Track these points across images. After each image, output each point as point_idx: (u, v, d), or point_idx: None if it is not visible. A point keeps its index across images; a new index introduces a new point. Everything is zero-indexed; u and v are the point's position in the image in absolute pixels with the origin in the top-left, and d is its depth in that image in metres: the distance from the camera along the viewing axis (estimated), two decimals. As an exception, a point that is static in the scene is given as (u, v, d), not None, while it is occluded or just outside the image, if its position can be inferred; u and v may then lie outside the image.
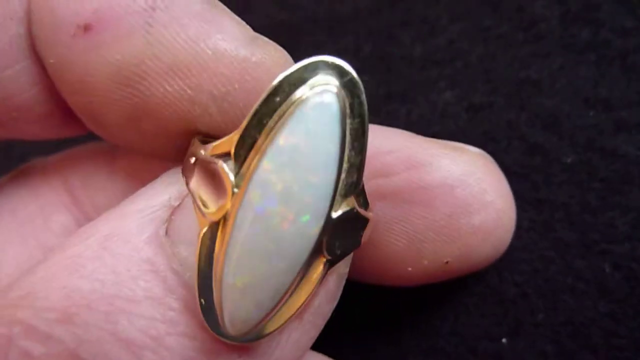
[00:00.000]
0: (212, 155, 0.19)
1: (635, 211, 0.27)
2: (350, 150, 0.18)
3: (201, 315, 0.19)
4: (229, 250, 0.18)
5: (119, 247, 0.20)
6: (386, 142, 0.24)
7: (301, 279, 0.19)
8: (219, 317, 0.19)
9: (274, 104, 0.18)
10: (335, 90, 0.18)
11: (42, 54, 0.22)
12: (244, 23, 0.21)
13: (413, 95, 0.31)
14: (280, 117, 0.18)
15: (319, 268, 0.19)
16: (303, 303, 0.20)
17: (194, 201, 0.19)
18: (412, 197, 0.24)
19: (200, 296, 0.19)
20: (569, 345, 0.27)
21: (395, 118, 0.31)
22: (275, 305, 0.19)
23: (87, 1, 0.21)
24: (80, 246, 0.20)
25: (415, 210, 0.24)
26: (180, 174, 0.21)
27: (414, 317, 0.30)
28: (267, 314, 0.19)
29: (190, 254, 0.19)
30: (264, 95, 0.18)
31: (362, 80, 0.18)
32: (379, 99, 0.32)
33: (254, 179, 0.18)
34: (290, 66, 0.21)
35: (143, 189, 0.21)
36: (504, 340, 0.28)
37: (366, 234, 0.20)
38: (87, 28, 0.21)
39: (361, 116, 0.18)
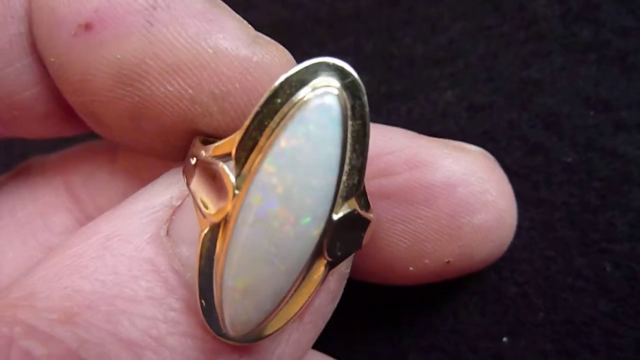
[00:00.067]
0: (213, 156, 0.19)
1: (635, 211, 0.27)
2: (351, 152, 0.18)
3: (202, 316, 0.19)
4: (229, 252, 0.18)
5: (120, 247, 0.20)
6: (388, 141, 0.24)
7: (302, 281, 0.19)
8: (220, 319, 0.19)
9: (275, 106, 0.18)
10: (336, 92, 0.18)
11: (42, 52, 0.22)
12: (245, 22, 0.21)
13: (414, 94, 0.31)
14: (281, 119, 0.18)
15: (319, 270, 0.19)
16: (303, 305, 0.20)
17: (195, 202, 0.19)
18: (414, 196, 0.24)
19: (201, 297, 0.19)
20: (569, 344, 0.27)
21: (396, 117, 0.31)
22: (276, 308, 0.19)
23: (87, 0, 0.21)
24: (82, 246, 0.20)
25: (417, 210, 0.24)
26: (181, 174, 0.21)
27: (414, 315, 0.30)
28: (268, 316, 0.19)
29: (192, 254, 0.19)
30: (265, 97, 0.18)
31: (363, 80, 0.18)
32: (380, 98, 0.32)
33: (255, 181, 0.18)
34: (291, 66, 0.21)
35: (144, 189, 0.21)
36: (504, 339, 0.28)
37: (367, 236, 0.20)
38: (87, 27, 0.21)
39: (362, 118, 0.18)
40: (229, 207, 0.18)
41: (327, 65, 0.18)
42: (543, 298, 0.28)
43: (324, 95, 0.18)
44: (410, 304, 0.29)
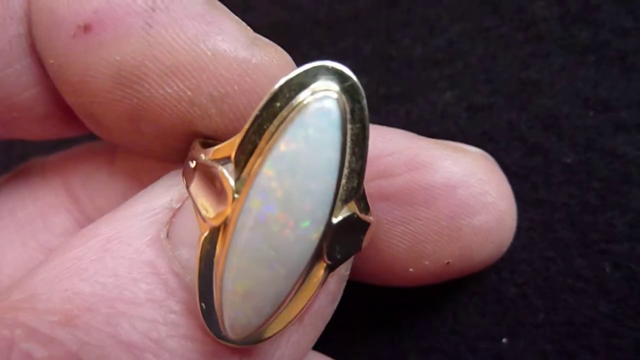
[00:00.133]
0: (213, 160, 0.19)
1: (635, 211, 0.27)
2: (350, 156, 0.18)
3: (202, 319, 0.19)
4: (229, 255, 0.18)
5: (120, 249, 0.20)
6: (387, 143, 0.24)
7: (301, 284, 0.19)
8: (220, 321, 0.19)
9: (275, 109, 0.18)
10: (335, 95, 0.18)
11: (42, 54, 0.22)
12: (244, 24, 0.21)
13: (413, 95, 0.31)
14: (280, 123, 0.18)
15: (319, 273, 0.19)
16: (303, 308, 0.20)
17: (195, 206, 0.19)
18: (414, 198, 0.24)
19: (201, 300, 0.19)
20: (569, 345, 0.27)
21: (395, 118, 0.31)
22: (276, 311, 0.19)
23: (87, 2, 0.21)
24: (82, 249, 0.20)
25: (417, 211, 0.24)
26: (181, 176, 0.21)
27: (414, 316, 0.30)
28: (267, 319, 0.19)
29: (192, 257, 0.19)
30: (264, 100, 0.18)
31: (362, 81, 0.18)
32: (379, 100, 0.32)
33: (254, 185, 0.18)
34: (290, 67, 0.21)
35: (144, 191, 0.21)
36: (504, 340, 0.28)
37: (367, 238, 0.20)
38: (87, 28, 0.21)
39: (362, 122, 0.18)
40: (228, 211, 0.18)
41: (327, 68, 0.18)
42: (543, 299, 0.28)
43: (323, 99, 0.18)
44: (410, 305, 0.29)
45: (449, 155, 0.24)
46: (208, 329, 0.19)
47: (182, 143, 0.22)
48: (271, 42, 0.21)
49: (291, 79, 0.18)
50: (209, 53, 0.20)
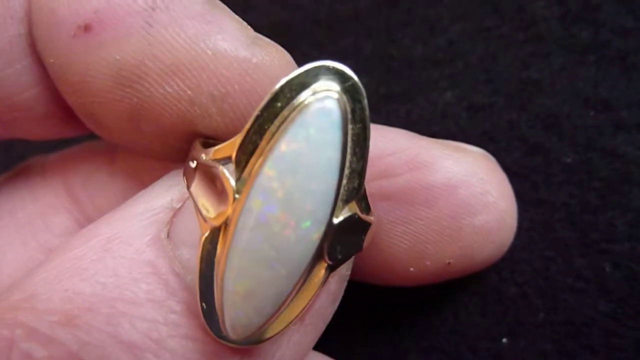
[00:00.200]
0: (214, 160, 0.19)
1: (635, 211, 0.27)
2: (351, 156, 0.18)
3: (203, 319, 0.19)
4: (230, 256, 0.18)
5: (120, 249, 0.20)
6: (388, 143, 0.24)
7: (302, 285, 0.19)
8: (220, 321, 0.19)
9: (276, 109, 0.18)
10: (336, 95, 0.18)
11: (42, 54, 0.22)
12: (245, 23, 0.21)
13: (413, 95, 0.31)
14: (281, 123, 0.17)
15: (320, 273, 0.19)
16: (304, 308, 0.20)
17: (195, 206, 0.19)
18: (415, 198, 0.24)
19: (201, 300, 0.19)
20: (569, 344, 0.27)
21: (396, 118, 0.31)
22: (276, 311, 0.19)
23: (87, 1, 0.21)
24: (82, 248, 0.20)
25: (418, 211, 0.24)
26: (182, 176, 0.21)
27: (414, 316, 0.30)
28: (268, 319, 0.19)
29: (192, 257, 0.19)
30: (265, 100, 0.18)
31: (362, 81, 0.18)
32: (379, 99, 0.32)
33: (255, 185, 0.17)
34: (291, 67, 0.21)
35: (144, 191, 0.21)
36: (504, 339, 0.28)
37: (368, 238, 0.20)
38: (87, 28, 0.21)
39: (363, 122, 0.18)
40: (229, 211, 0.18)
41: (328, 68, 0.18)
42: (543, 299, 0.28)
43: (324, 99, 0.18)
44: (410, 305, 0.29)
45: (450, 155, 0.24)
46: (209, 329, 0.19)
47: (183, 143, 0.22)
48: (272, 42, 0.21)
49: (292, 79, 0.18)
50: (210, 52, 0.20)
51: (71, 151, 0.29)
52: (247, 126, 0.18)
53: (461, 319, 0.29)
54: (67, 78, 0.22)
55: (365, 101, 0.18)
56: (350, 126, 0.18)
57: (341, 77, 0.18)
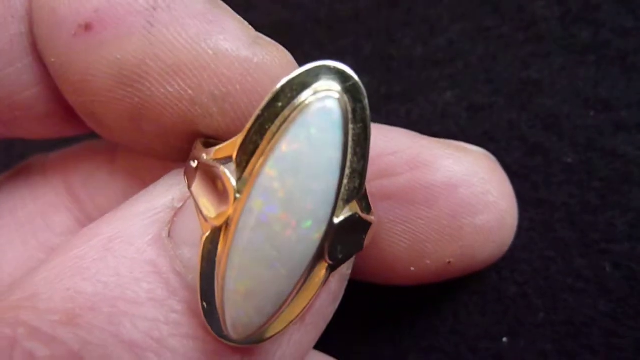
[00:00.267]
0: (214, 160, 0.19)
1: (635, 211, 0.27)
2: (352, 156, 0.18)
3: (203, 318, 0.19)
4: (230, 255, 0.18)
5: (122, 249, 0.20)
6: (389, 142, 0.24)
7: (303, 284, 0.19)
8: (221, 321, 0.19)
9: (276, 109, 0.18)
10: (337, 95, 0.18)
11: (43, 52, 0.22)
12: (246, 23, 0.21)
13: (413, 95, 0.31)
14: (282, 123, 0.18)
15: (321, 273, 0.19)
16: (305, 308, 0.20)
17: (196, 205, 0.19)
18: (416, 197, 0.24)
19: (202, 299, 0.19)
20: (569, 344, 0.27)
21: (396, 118, 0.31)
22: (277, 311, 0.19)
23: (88, 1, 0.21)
24: (83, 248, 0.20)
25: (419, 211, 0.24)
26: (182, 175, 0.21)
27: (414, 316, 0.30)
28: (269, 319, 0.19)
29: (193, 256, 0.19)
30: (266, 100, 0.18)
31: (362, 81, 0.18)
32: (379, 99, 0.32)
33: (256, 185, 0.18)
34: (292, 67, 0.21)
35: (145, 190, 0.21)
36: (504, 339, 0.28)
37: (368, 238, 0.20)
38: (88, 27, 0.21)
39: (364, 121, 0.18)
40: (230, 211, 0.18)
41: (328, 68, 0.18)
42: (543, 298, 0.28)
43: (325, 99, 0.18)
44: (410, 304, 0.29)
45: (450, 154, 0.24)
46: (210, 329, 0.19)
47: (183, 142, 0.22)
48: (273, 41, 0.21)
49: (293, 79, 0.18)
50: (211, 52, 0.20)
51: (72, 150, 0.29)
52: (248, 126, 0.18)
53: (461, 318, 0.29)
54: (68, 77, 0.22)
55: (366, 101, 0.18)
56: (351, 126, 0.18)
57: (342, 77, 0.18)
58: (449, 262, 0.24)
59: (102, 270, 0.19)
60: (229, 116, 0.21)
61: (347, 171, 0.18)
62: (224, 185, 0.18)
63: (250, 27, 0.21)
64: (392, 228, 0.24)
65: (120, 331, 0.19)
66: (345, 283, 0.22)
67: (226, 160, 0.19)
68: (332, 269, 0.19)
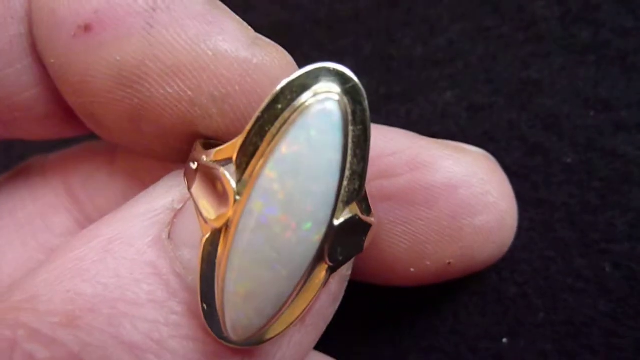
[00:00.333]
0: (214, 161, 0.19)
1: (635, 211, 0.27)
2: (352, 158, 0.18)
3: (203, 320, 0.19)
4: (230, 257, 0.18)
5: (122, 250, 0.20)
6: (389, 143, 0.24)
7: (303, 286, 0.19)
8: (221, 322, 0.19)
9: (276, 111, 0.18)
10: (337, 97, 0.18)
11: (42, 53, 0.22)
12: (245, 24, 0.21)
13: (413, 95, 0.31)
14: (282, 125, 0.18)
15: (321, 274, 0.19)
16: (305, 309, 0.20)
17: (196, 207, 0.19)
18: (415, 198, 0.24)
19: (202, 301, 0.19)
20: (569, 344, 0.27)
21: (396, 118, 0.31)
22: (277, 312, 0.19)
23: (87, 2, 0.21)
24: (83, 249, 0.20)
25: (418, 211, 0.24)
26: (182, 177, 0.21)
27: (415, 316, 0.30)
28: (269, 321, 0.19)
29: (193, 257, 0.19)
30: (265, 102, 0.18)
31: (362, 81, 0.18)
32: (379, 99, 0.32)
33: (256, 187, 0.18)
34: (291, 68, 0.21)
35: (145, 192, 0.21)
36: (504, 339, 0.28)
37: (368, 239, 0.20)
38: (87, 28, 0.20)
39: (363, 123, 0.18)
40: (230, 213, 0.18)
41: (328, 70, 0.18)
42: (543, 299, 0.28)
43: (325, 100, 0.18)
44: (410, 305, 0.29)
45: (450, 155, 0.24)
46: (210, 330, 0.19)
47: (183, 143, 0.22)
48: (272, 42, 0.21)
49: (293, 81, 0.18)
50: (210, 53, 0.20)
51: (71, 151, 0.29)
52: (248, 128, 0.18)
53: (461, 319, 0.29)
54: (68, 78, 0.22)
55: (366, 103, 0.18)
56: (351, 128, 0.18)
57: (342, 78, 0.18)
58: (449, 263, 0.24)
59: (102, 271, 0.19)
60: (229, 117, 0.21)
61: (347, 173, 0.18)
62: (223, 187, 0.18)
63: (250, 28, 0.21)
64: (392, 229, 0.24)
65: (121, 333, 0.19)
66: (345, 284, 0.22)
67: (226, 161, 0.19)
68: (332, 270, 0.19)
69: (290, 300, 0.19)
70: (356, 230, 0.19)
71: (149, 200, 0.21)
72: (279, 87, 0.18)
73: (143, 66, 0.20)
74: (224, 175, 0.18)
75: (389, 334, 0.30)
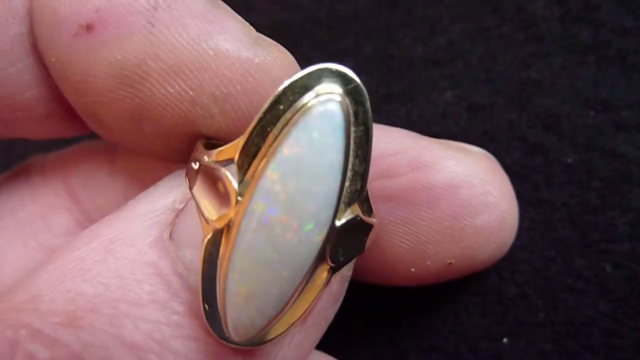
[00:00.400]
0: (216, 162, 0.19)
1: (635, 211, 0.27)
2: (354, 159, 0.18)
3: (205, 320, 0.19)
4: (232, 258, 0.18)
5: (123, 250, 0.20)
6: (390, 143, 0.24)
7: (304, 286, 0.19)
8: (223, 323, 0.19)
9: (278, 112, 0.18)
10: (339, 98, 0.18)
11: (43, 53, 0.22)
12: (247, 24, 0.21)
13: (413, 95, 0.31)
14: (284, 126, 0.18)
15: (322, 275, 0.19)
16: (306, 310, 0.20)
17: (198, 208, 0.19)
18: (417, 198, 0.24)
19: (204, 301, 0.19)
20: (569, 344, 0.27)
21: (396, 118, 0.31)
22: (279, 313, 0.19)
23: (88, 1, 0.20)
24: (84, 249, 0.20)
25: (420, 212, 0.24)
26: (184, 177, 0.21)
27: (415, 316, 0.30)
28: (271, 321, 0.19)
29: (195, 258, 0.19)
30: (267, 103, 0.18)
31: (362, 81, 0.18)
32: (379, 99, 0.32)
33: (258, 188, 0.18)
34: (293, 67, 0.21)
35: (146, 192, 0.21)
36: (504, 339, 0.28)
37: (370, 240, 0.20)
38: (88, 27, 0.20)
39: (365, 124, 0.18)
40: (231, 213, 0.18)
41: (330, 71, 0.18)
42: (543, 299, 0.28)
43: (327, 101, 0.18)
44: (410, 305, 0.29)
45: (451, 155, 0.24)
46: (211, 330, 0.19)
47: (184, 143, 0.22)
48: (274, 42, 0.21)
49: (295, 82, 0.18)
50: (212, 52, 0.20)
51: (71, 150, 0.29)
52: (250, 128, 0.18)
53: (461, 319, 0.29)
54: (69, 77, 0.22)
55: (368, 104, 0.18)
56: (352, 129, 0.18)
57: (344, 79, 0.18)
58: (450, 263, 0.24)
59: (103, 271, 0.19)
60: (230, 117, 0.21)
61: (349, 174, 0.18)
62: (225, 187, 0.18)
63: (251, 27, 0.21)
64: (394, 229, 0.24)
65: (122, 333, 0.19)
66: (346, 284, 0.22)
67: (227, 162, 0.19)
68: (333, 271, 0.19)
69: (291, 301, 0.19)
70: (358, 230, 0.19)
71: (150, 200, 0.21)
72: (281, 88, 0.18)
73: (144, 65, 0.20)
74: (226, 176, 0.18)
75: (389, 334, 0.30)
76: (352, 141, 0.18)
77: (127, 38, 0.20)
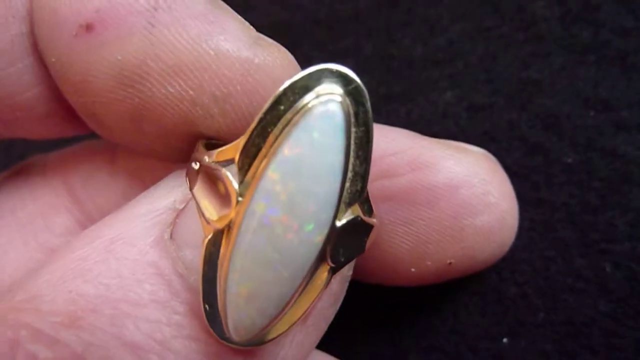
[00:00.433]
0: (216, 162, 0.19)
1: (635, 211, 0.27)
2: (355, 159, 0.18)
3: (205, 320, 0.19)
4: (233, 258, 0.18)
5: (124, 250, 0.20)
6: (390, 143, 0.24)
7: (305, 287, 0.19)
8: (223, 323, 0.19)
9: (279, 112, 0.18)
10: (339, 99, 0.18)
11: (44, 53, 0.22)
12: (247, 24, 0.21)
13: (413, 95, 0.31)
14: (284, 126, 0.17)
15: (323, 275, 0.19)
16: (306, 310, 0.20)
17: (198, 208, 0.19)
18: (417, 198, 0.24)
19: (204, 302, 0.19)
20: (569, 344, 0.27)
21: (396, 118, 0.31)
22: (279, 313, 0.19)
23: (89, 1, 0.21)
24: (85, 250, 0.20)
25: (420, 212, 0.24)
26: (184, 177, 0.21)
27: (415, 316, 0.30)
28: (271, 321, 0.19)
29: (196, 258, 0.19)
30: (268, 103, 0.18)
31: (362, 81, 0.18)
32: (379, 99, 0.32)
33: (258, 189, 0.18)
34: (293, 67, 0.21)
35: (147, 192, 0.21)
36: (504, 339, 0.28)
37: (370, 240, 0.20)
38: (89, 28, 0.20)
39: (366, 125, 0.18)
40: (232, 214, 0.18)
41: (331, 71, 0.18)
42: (543, 298, 0.28)
43: (327, 102, 0.18)
44: (410, 304, 0.29)
45: (451, 155, 0.24)
46: (212, 330, 0.19)
47: (184, 143, 0.22)
48: (274, 42, 0.21)
49: (295, 82, 0.18)
50: (212, 53, 0.20)
51: (72, 150, 0.29)
52: (250, 129, 0.18)
53: (461, 319, 0.29)
54: (69, 77, 0.22)
55: (369, 104, 0.18)
56: (353, 129, 0.18)
57: (344, 80, 0.18)
58: (450, 263, 0.24)
59: (104, 272, 0.19)
60: (230, 117, 0.21)
61: (350, 174, 0.18)
62: (226, 188, 0.18)
63: (252, 27, 0.21)
64: (394, 229, 0.24)
65: (123, 333, 0.19)
66: (347, 284, 0.22)
67: (228, 162, 0.18)
68: (333, 271, 0.20)
69: (292, 301, 0.19)
70: (358, 231, 0.19)
71: (150, 200, 0.21)
72: (281, 89, 0.18)
73: (144, 66, 0.20)
74: (227, 177, 0.18)
75: (389, 333, 0.30)
76: (352, 142, 0.18)
77: (127, 38, 0.20)
